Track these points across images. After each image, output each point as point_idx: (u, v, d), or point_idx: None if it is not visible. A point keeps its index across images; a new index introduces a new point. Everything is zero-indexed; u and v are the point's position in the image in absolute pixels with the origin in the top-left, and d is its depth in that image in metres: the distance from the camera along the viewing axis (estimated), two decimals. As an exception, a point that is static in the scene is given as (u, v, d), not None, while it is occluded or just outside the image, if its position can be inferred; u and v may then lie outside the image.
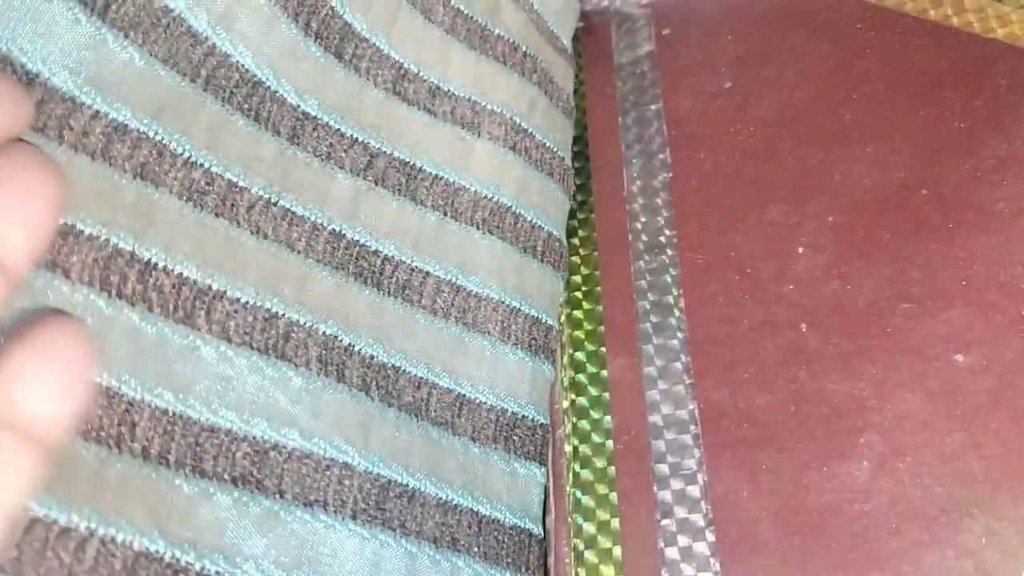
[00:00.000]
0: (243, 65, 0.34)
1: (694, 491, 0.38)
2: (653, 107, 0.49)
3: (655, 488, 0.39)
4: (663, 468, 0.39)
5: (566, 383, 0.43)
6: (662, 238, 0.44)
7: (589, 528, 0.39)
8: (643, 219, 0.45)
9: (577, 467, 0.40)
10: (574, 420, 0.42)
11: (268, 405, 0.31)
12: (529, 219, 0.44)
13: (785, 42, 0.47)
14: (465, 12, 0.44)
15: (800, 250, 0.41)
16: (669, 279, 0.43)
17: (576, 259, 0.46)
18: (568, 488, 0.40)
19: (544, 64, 0.48)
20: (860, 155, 0.43)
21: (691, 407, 0.40)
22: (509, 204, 0.43)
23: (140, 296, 0.28)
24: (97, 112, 0.29)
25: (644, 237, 0.45)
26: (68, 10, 0.28)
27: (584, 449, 0.41)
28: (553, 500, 0.40)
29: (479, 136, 0.42)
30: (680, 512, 0.38)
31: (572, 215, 0.48)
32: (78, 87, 0.28)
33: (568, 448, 0.41)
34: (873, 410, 0.37)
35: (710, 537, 0.37)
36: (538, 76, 0.47)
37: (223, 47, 0.33)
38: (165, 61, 0.31)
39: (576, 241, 0.47)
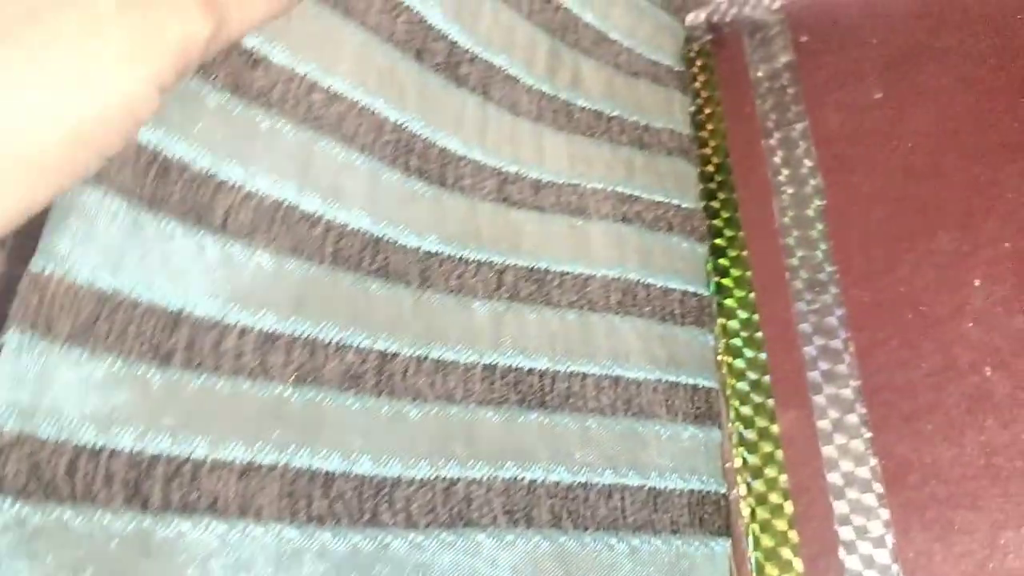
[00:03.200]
0: (362, 229, 0.34)
1: (883, 556, 0.36)
2: (798, 126, 0.46)
3: (842, 553, 0.37)
4: (848, 532, 0.37)
5: (734, 439, 0.42)
6: (822, 275, 0.42)
7: (776, 597, 0.38)
8: (800, 254, 0.43)
9: (757, 530, 0.40)
10: (748, 480, 0.41)
11: None
12: (659, 285, 0.43)
13: (937, 42, 0.43)
14: (549, 92, 0.43)
15: (977, 282, 0.38)
16: (835, 321, 0.41)
17: (732, 302, 0.45)
18: (751, 553, 0.39)
19: (635, 116, 0.47)
20: (1036, 167, 0.39)
21: (872, 463, 0.38)
22: (636, 278, 0.42)
23: (328, 512, 0.30)
24: (244, 328, 0.30)
25: (803, 274, 0.43)
26: (192, 240, 0.30)
27: (762, 512, 0.40)
28: (735, 566, 0.39)
29: (590, 219, 0.42)
30: (871, 579, 0.36)
31: (723, 253, 0.46)
32: (220, 309, 0.30)
33: (745, 511, 0.40)
34: (1077, 466, 0.34)
35: (905, 605, 0.36)
36: (627, 135, 0.46)
37: (339, 218, 0.34)
38: (292, 252, 0.32)
39: (729, 282, 0.45)
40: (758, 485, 0.40)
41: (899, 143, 0.43)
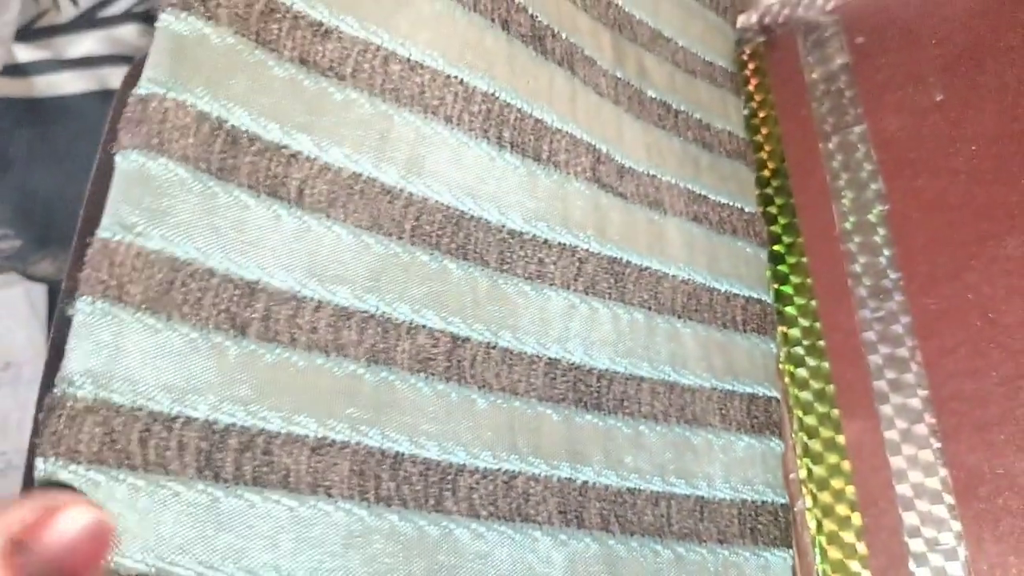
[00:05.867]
0: (443, 204, 0.34)
1: (956, 569, 0.36)
2: (857, 129, 0.45)
3: (912, 565, 0.37)
4: (918, 544, 0.37)
5: (799, 450, 0.41)
6: (887, 281, 0.42)
7: (845, 610, 0.38)
8: (862, 260, 0.43)
9: (824, 542, 0.39)
10: (814, 491, 0.40)
11: (526, 573, 0.31)
12: (723, 290, 0.42)
13: (1000, 40, 0.42)
14: (621, 77, 0.43)
15: (1049, 288, 0.38)
16: (901, 329, 0.40)
17: (792, 310, 0.44)
18: (819, 566, 0.39)
19: (698, 113, 0.46)
20: (1109, 169, 0.38)
21: (942, 474, 0.37)
22: (703, 281, 0.42)
23: (395, 494, 0.30)
24: (319, 303, 0.30)
25: (866, 281, 0.42)
26: (267, 210, 0.29)
27: (829, 524, 0.39)
28: (802, 579, 0.39)
29: (666, 214, 0.42)
30: (944, 593, 0.36)
31: (781, 259, 0.45)
32: (297, 282, 0.30)
33: (812, 523, 0.40)
34: None
35: (981, 620, 0.35)
36: (692, 131, 0.45)
37: (419, 192, 0.33)
38: (370, 228, 0.32)
39: (789, 289, 0.45)
40: (824, 497, 0.40)
41: (962, 146, 0.42)
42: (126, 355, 0.26)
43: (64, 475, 0.24)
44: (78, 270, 0.27)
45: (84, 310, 0.26)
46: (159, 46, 0.29)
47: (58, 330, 0.28)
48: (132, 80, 0.29)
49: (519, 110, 0.37)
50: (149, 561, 0.25)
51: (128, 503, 0.25)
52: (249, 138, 0.30)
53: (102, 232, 0.27)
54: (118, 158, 0.28)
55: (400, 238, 0.32)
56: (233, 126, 0.29)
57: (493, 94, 0.36)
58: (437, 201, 0.34)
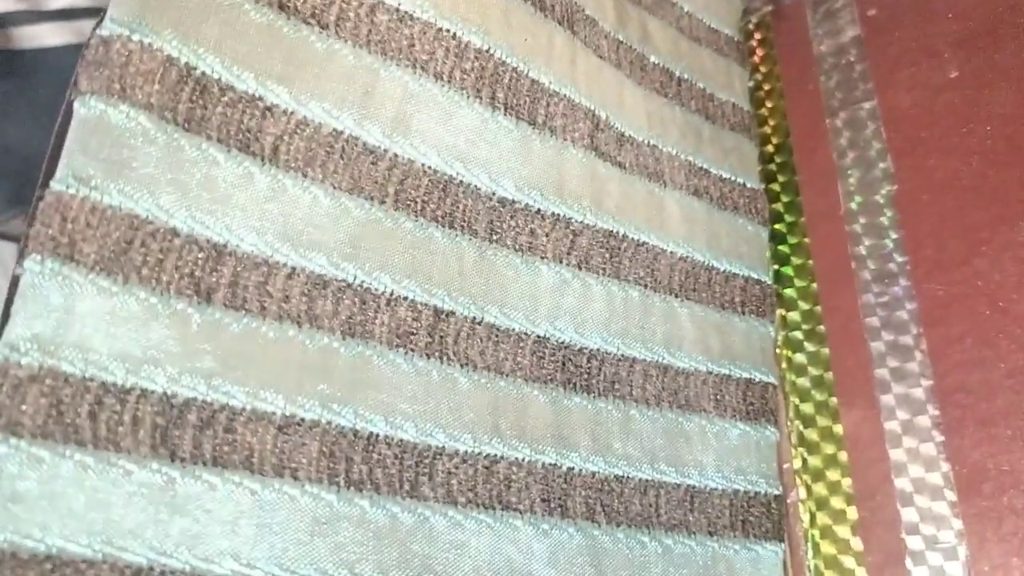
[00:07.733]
0: (430, 167, 0.32)
1: (955, 569, 0.34)
2: (866, 105, 0.43)
3: (909, 563, 0.35)
4: (916, 541, 0.35)
5: (794, 439, 0.40)
6: (892, 265, 0.40)
7: (837, 608, 0.36)
8: (867, 242, 0.41)
9: (817, 536, 0.37)
10: (808, 482, 0.38)
11: (504, 564, 0.30)
12: (723, 269, 0.40)
13: (1019, 17, 0.40)
14: (623, 40, 0.41)
15: (1063, 277, 0.36)
16: (906, 315, 0.38)
17: (792, 292, 0.42)
18: (811, 561, 0.37)
19: (701, 82, 0.44)
20: None
21: (944, 469, 0.35)
22: (702, 259, 0.40)
23: (367, 478, 0.28)
24: (293, 269, 0.28)
25: (871, 264, 0.40)
26: (239, 166, 0.27)
27: (823, 517, 0.38)
28: (793, 573, 0.37)
29: (666, 186, 0.39)
30: (942, 593, 0.34)
31: (783, 239, 0.43)
32: (269, 246, 0.28)
33: (805, 515, 0.38)
34: None
35: (980, 622, 0.33)
36: (696, 101, 0.43)
37: (405, 154, 0.31)
38: (351, 190, 0.30)
39: (790, 271, 0.43)
40: (819, 488, 0.38)
41: (976, 126, 0.40)
42: (77, 320, 0.24)
43: (3, 450, 0.22)
44: (31, 226, 0.25)
45: (32, 269, 0.24)
46: None
47: (11, 291, 0.26)
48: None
49: (515, 69, 0.34)
50: (96, 546, 0.23)
51: (75, 482, 0.23)
52: (221, 88, 0.27)
53: (55, 184, 0.24)
54: (76, 104, 0.25)
55: (383, 202, 0.30)
56: (203, 74, 0.27)
57: (488, 51, 0.34)
58: (424, 164, 0.31)
